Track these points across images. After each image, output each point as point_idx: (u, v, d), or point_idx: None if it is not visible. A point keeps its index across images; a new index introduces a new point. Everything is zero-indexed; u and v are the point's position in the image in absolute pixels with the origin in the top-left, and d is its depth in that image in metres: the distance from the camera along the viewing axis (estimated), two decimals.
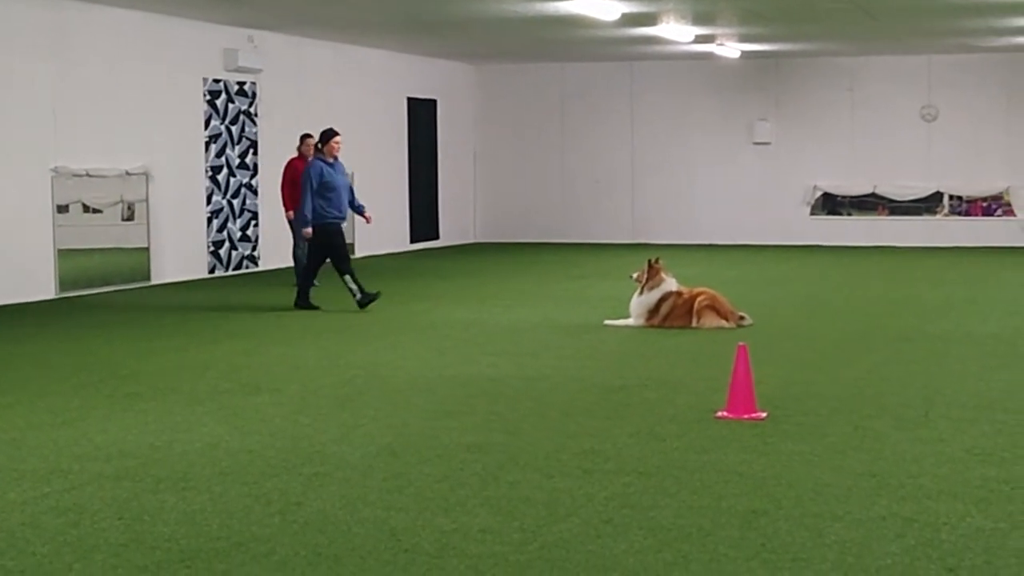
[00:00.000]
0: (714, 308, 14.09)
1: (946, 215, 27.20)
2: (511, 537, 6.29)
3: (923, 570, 5.77)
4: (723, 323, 13.98)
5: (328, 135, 16.12)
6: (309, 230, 15.95)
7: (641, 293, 14.35)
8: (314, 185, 15.81)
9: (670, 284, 14.31)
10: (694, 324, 13.99)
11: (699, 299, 14.15)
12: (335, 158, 16.06)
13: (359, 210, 16.50)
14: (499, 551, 6.07)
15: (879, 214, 27.59)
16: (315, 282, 18.96)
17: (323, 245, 16.07)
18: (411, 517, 6.64)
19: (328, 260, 16.24)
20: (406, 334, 13.77)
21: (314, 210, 15.84)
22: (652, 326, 14.09)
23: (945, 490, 7.11)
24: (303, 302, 16.22)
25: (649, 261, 14.52)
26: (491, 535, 6.32)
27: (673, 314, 14.11)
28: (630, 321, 14.30)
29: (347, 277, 15.93)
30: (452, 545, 6.16)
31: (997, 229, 26.79)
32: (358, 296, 15.93)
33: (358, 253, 24.52)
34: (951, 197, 27.17)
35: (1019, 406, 9.53)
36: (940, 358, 11.88)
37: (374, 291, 16.15)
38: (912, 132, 27.11)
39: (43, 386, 10.67)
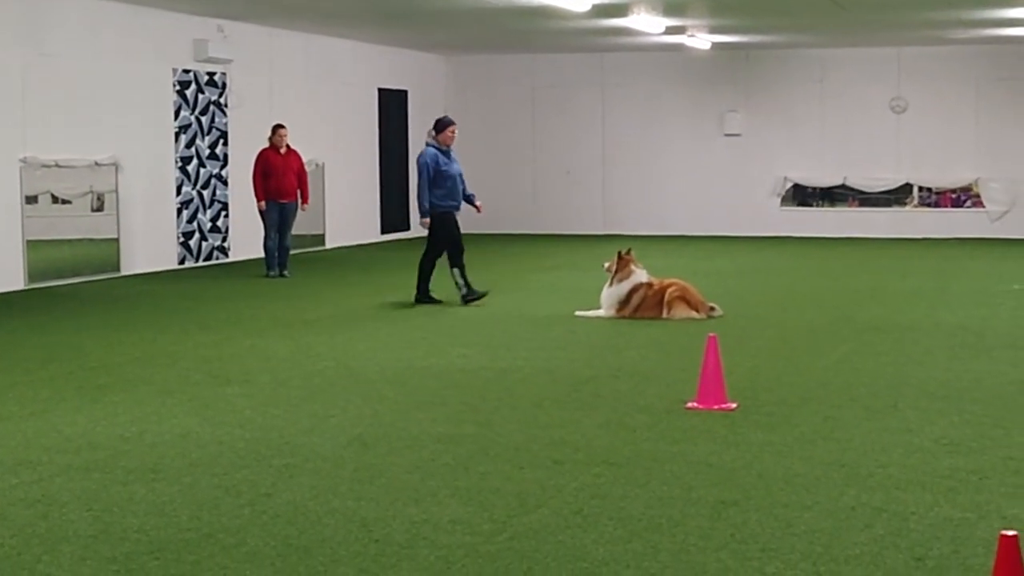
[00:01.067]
0: (685, 299, 14.12)
1: (916, 206, 27.30)
2: (481, 528, 6.29)
3: (891, 559, 5.80)
4: (693, 314, 14.01)
5: (444, 123, 15.63)
6: (428, 220, 15.38)
7: (611, 284, 14.37)
8: (430, 174, 15.30)
9: (640, 276, 14.32)
10: (665, 315, 14.02)
11: (670, 290, 14.17)
12: (448, 147, 15.60)
13: (470, 199, 15.82)
14: (469, 542, 6.08)
15: (849, 205, 27.67)
16: (285, 273, 18.98)
17: (442, 236, 15.47)
18: (381, 508, 6.64)
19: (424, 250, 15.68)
20: (377, 325, 13.76)
21: (429, 200, 15.33)
22: (623, 317, 14.11)
23: (914, 480, 7.15)
24: (423, 296, 15.57)
25: (619, 252, 14.54)
26: (461, 526, 6.32)
27: (644, 305, 14.13)
28: (601, 312, 14.32)
29: (456, 271, 15.45)
30: (422, 535, 6.17)
31: (966, 220, 26.91)
32: (463, 291, 15.46)
33: (328, 244, 24.50)
34: (921, 188, 27.28)
35: (987, 396, 9.59)
36: (909, 348, 11.94)
37: (482, 290, 15.56)
38: (882, 124, 27.19)
39: (12, 377, 10.63)
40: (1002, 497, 6.82)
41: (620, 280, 14.30)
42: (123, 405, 9.39)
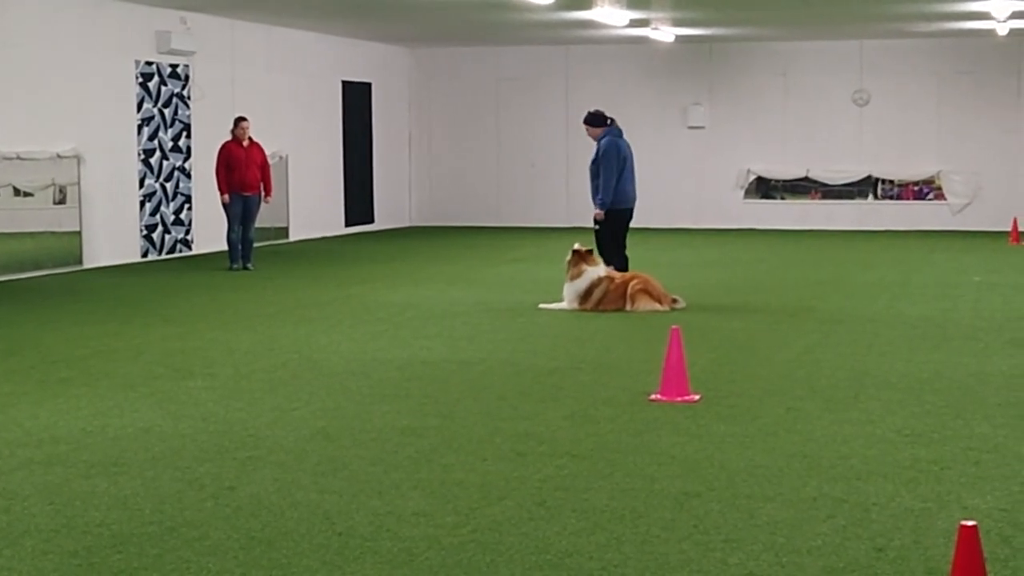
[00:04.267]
0: (647, 292, 14.15)
1: (878, 198, 27.41)
2: (445, 520, 6.30)
3: (853, 549, 5.83)
4: (657, 306, 14.04)
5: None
6: (602, 212, 15.12)
7: (568, 280, 14.36)
8: (619, 164, 15.04)
9: (595, 271, 14.31)
10: (628, 308, 14.04)
11: (632, 283, 14.20)
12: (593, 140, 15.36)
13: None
14: (432, 534, 6.08)
15: (812, 198, 27.77)
16: (249, 266, 18.92)
17: (622, 230, 15.33)
18: (345, 500, 6.64)
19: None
20: (340, 318, 13.74)
21: (616, 192, 15.03)
22: (585, 311, 14.13)
23: (875, 471, 7.20)
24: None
25: (574, 249, 14.50)
26: (425, 518, 6.33)
27: (606, 298, 14.15)
28: (564, 305, 14.33)
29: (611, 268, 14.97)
30: (386, 528, 6.17)
31: (928, 213, 27.05)
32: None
33: (292, 237, 24.44)
34: (883, 181, 27.38)
35: (948, 387, 9.65)
36: (871, 340, 12.00)
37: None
38: (844, 117, 27.30)
39: None
40: (962, 487, 6.87)
41: (573, 278, 14.31)
42: (85, 399, 9.35)
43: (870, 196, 27.43)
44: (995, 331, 12.54)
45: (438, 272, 18.74)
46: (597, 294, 14.17)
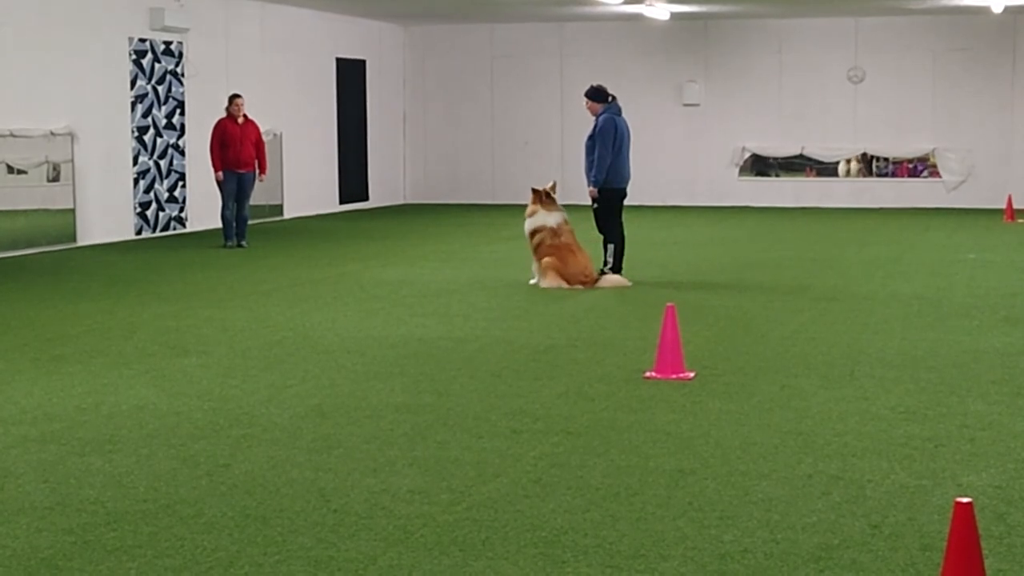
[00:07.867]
0: (557, 270, 14.13)
1: (862, 173, 27.39)
2: (440, 497, 6.30)
3: (847, 526, 5.84)
4: (563, 285, 14.02)
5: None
6: (595, 190, 14.79)
7: (526, 217, 14.59)
8: (616, 141, 14.82)
9: (543, 218, 14.34)
10: (534, 280, 14.25)
11: (547, 259, 14.19)
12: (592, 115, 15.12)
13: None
14: (428, 511, 6.08)
15: (807, 175, 27.76)
16: (243, 243, 18.90)
17: (617, 208, 15.05)
18: (340, 478, 6.64)
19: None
20: (335, 295, 13.73)
21: (610, 170, 14.75)
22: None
23: (870, 448, 7.20)
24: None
25: (533, 188, 14.59)
26: (420, 495, 6.33)
27: (539, 250, 14.27)
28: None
29: (611, 246, 14.83)
30: (381, 505, 6.17)
31: (922, 190, 27.05)
32: (608, 267, 14.75)
33: (287, 214, 24.41)
34: (878, 159, 27.37)
35: (942, 364, 9.65)
36: (866, 318, 12.00)
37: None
38: (839, 94, 27.26)
39: None
40: (957, 464, 6.88)
41: (528, 216, 14.46)
42: (79, 376, 9.35)
43: (847, 173, 27.42)
44: (990, 309, 12.54)
45: (433, 250, 18.72)
46: (537, 239, 14.31)
